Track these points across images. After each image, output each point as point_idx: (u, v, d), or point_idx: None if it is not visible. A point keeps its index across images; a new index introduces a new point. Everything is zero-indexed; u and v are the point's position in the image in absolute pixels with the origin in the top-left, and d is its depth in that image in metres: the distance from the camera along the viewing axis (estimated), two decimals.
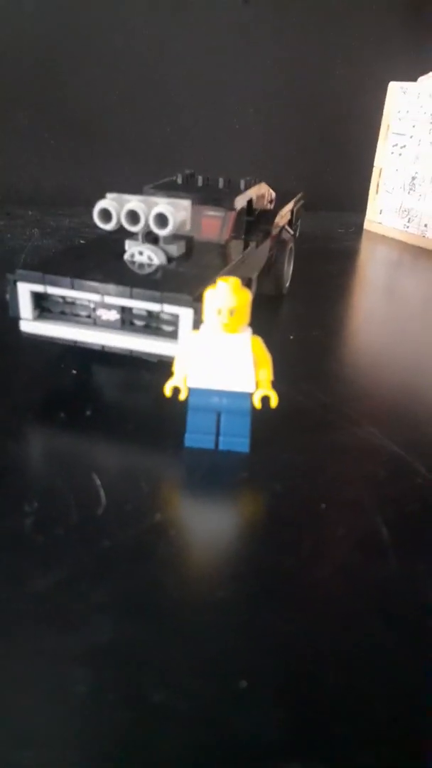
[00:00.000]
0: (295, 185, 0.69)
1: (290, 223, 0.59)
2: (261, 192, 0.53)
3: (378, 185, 0.82)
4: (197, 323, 0.34)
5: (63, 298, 0.37)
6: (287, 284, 0.55)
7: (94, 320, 0.36)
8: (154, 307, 0.34)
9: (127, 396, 0.38)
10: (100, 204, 0.38)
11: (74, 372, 0.40)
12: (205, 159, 0.90)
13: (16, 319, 0.37)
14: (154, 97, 0.94)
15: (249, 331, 0.31)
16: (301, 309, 0.54)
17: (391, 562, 0.25)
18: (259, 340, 0.31)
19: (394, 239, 0.80)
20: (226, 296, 0.29)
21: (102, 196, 0.39)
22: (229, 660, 0.21)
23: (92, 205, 0.38)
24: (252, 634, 0.22)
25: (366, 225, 0.84)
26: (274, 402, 0.31)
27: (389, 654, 0.21)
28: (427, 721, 0.19)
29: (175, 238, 0.41)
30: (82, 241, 0.43)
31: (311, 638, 0.22)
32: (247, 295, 0.30)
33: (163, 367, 0.36)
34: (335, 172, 0.93)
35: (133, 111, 0.95)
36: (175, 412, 0.35)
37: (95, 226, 0.39)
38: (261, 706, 0.19)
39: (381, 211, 0.82)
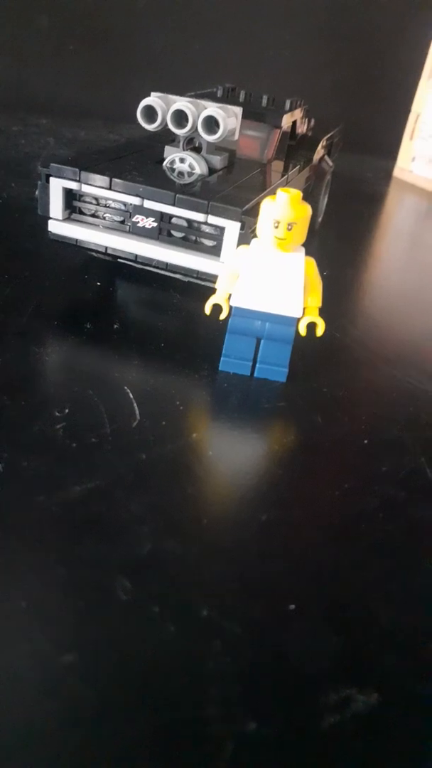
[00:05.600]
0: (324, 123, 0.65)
1: (328, 154, 0.56)
2: (304, 116, 0.50)
3: (413, 131, 0.78)
4: (243, 239, 0.31)
5: (97, 199, 0.34)
6: (320, 218, 0.53)
7: (129, 227, 0.34)
8: (199, 216, 0.31)
9: (155, 314, 0.36)
10: (145, 101, 0.35)
11: (98, 284, 0.37)
12: (234, 82, 0.85)
13: (44, 218, 0.34)
14: (184, 10, 0.87)
15: (303, 251, 0.29)
16: (333, 246, 0.51)
17: None
18: (313, 263, 0.29)
19: (425, 190, 0.76)
20: (287, 208, 0.27)
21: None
22: (276, 582, 0.20)
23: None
24: (298, 560, 0.21)
25: (396, 172, 0.81)
26: (320, 330, 0.30)
27: None
28: None
29: (218, 149, 0.38)
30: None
31: (359, 568, 0.21)
32: (308, 210, 0.28)
33: (191, 288, 0.34)
34: (367, 112, 0.88)
35: (161, 24, 0.87)
36: (208, 334, 0.33)
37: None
38: (311, 631, 0.18)
39: (414, 158, 0.78)
